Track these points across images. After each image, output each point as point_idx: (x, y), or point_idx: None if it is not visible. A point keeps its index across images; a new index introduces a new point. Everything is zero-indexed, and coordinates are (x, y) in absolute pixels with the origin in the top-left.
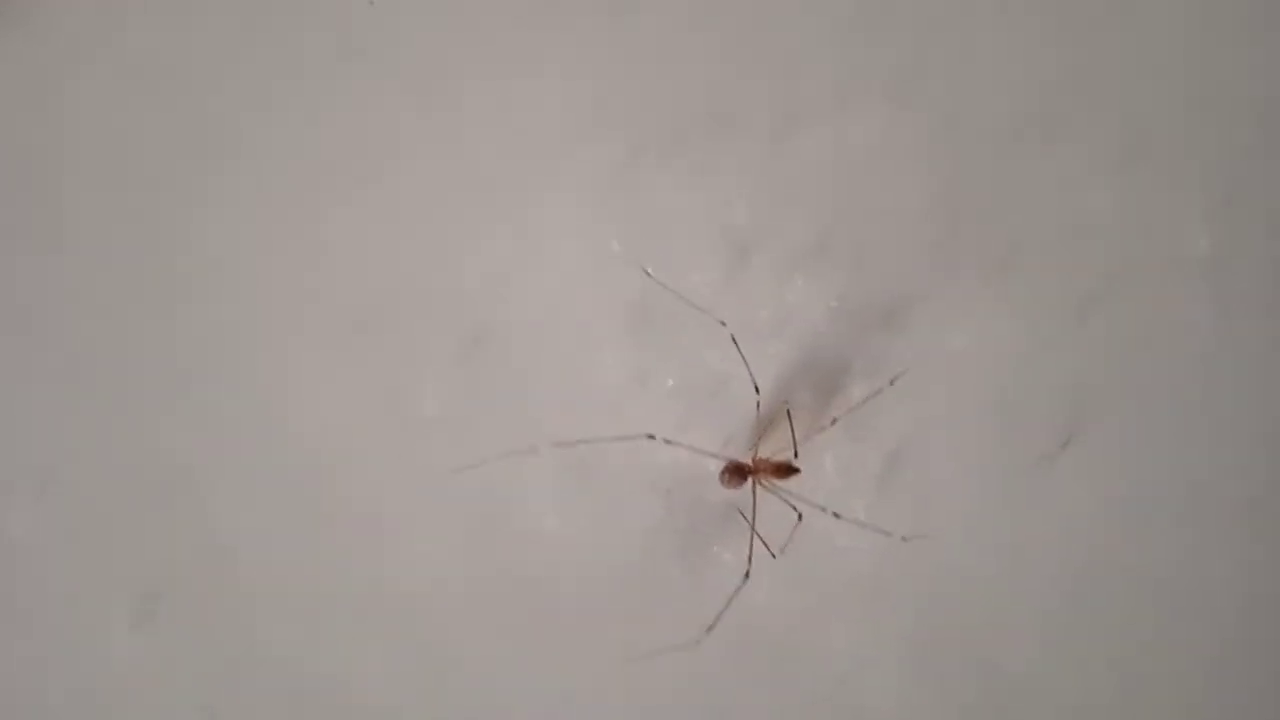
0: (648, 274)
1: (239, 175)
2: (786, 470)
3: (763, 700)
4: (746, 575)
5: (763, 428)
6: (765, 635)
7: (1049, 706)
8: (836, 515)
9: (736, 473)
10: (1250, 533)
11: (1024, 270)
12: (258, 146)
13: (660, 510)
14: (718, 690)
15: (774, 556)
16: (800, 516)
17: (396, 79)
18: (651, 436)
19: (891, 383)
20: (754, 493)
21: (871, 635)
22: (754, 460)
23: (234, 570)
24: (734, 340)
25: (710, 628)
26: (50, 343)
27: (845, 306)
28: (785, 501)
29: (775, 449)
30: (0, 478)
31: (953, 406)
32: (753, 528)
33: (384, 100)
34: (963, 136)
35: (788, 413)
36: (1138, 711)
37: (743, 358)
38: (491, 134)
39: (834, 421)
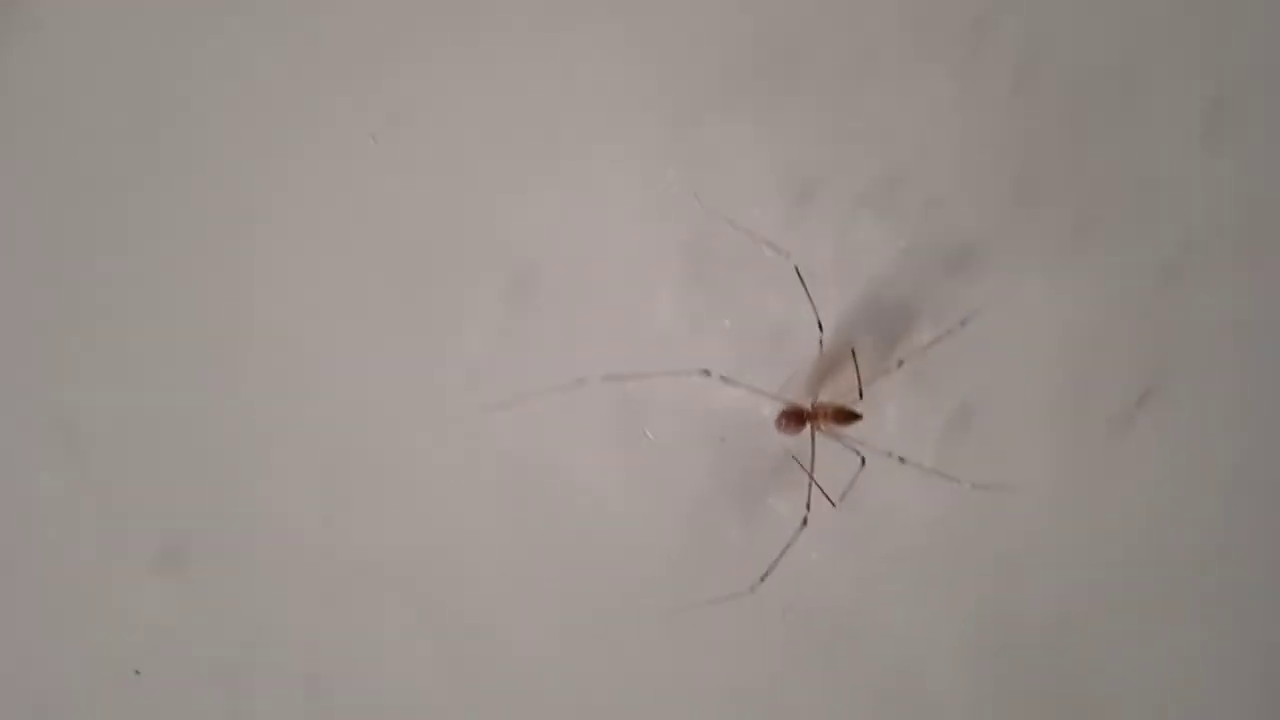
0: (701, 204)
1: (286, 129)
2: (848, 416)
3: (818, 668)
4: (804, 523)
5: (824, 370)
6: (824, 601)
7: (1123, 702)
8: (901, 460)
9: (794, 417)
10: None
11: (1107, 226)
12: (303, 91)
13: (713, 459)
14: (773, 655)
15: (834, 505)
16: (864, 461)
17: (450, 23)
18: (706, 373)
19: (962, 324)
20: (813, 439)
21: (936, 603)
22: (814, 404)
23: (258, 527)
24: (797, 272)
25: (764, 577)
26: (82, 294)
27: (914, 250)
28: (848, 447)
29: (836, 394)
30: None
31: (1025, 360)
32: (811, 475)
33: (439, 46)
34: (1042, 87)
35: (853, 352)
36: (1215, 706)
37: (806, 291)
38: (547, 79)
39: (900, 364)
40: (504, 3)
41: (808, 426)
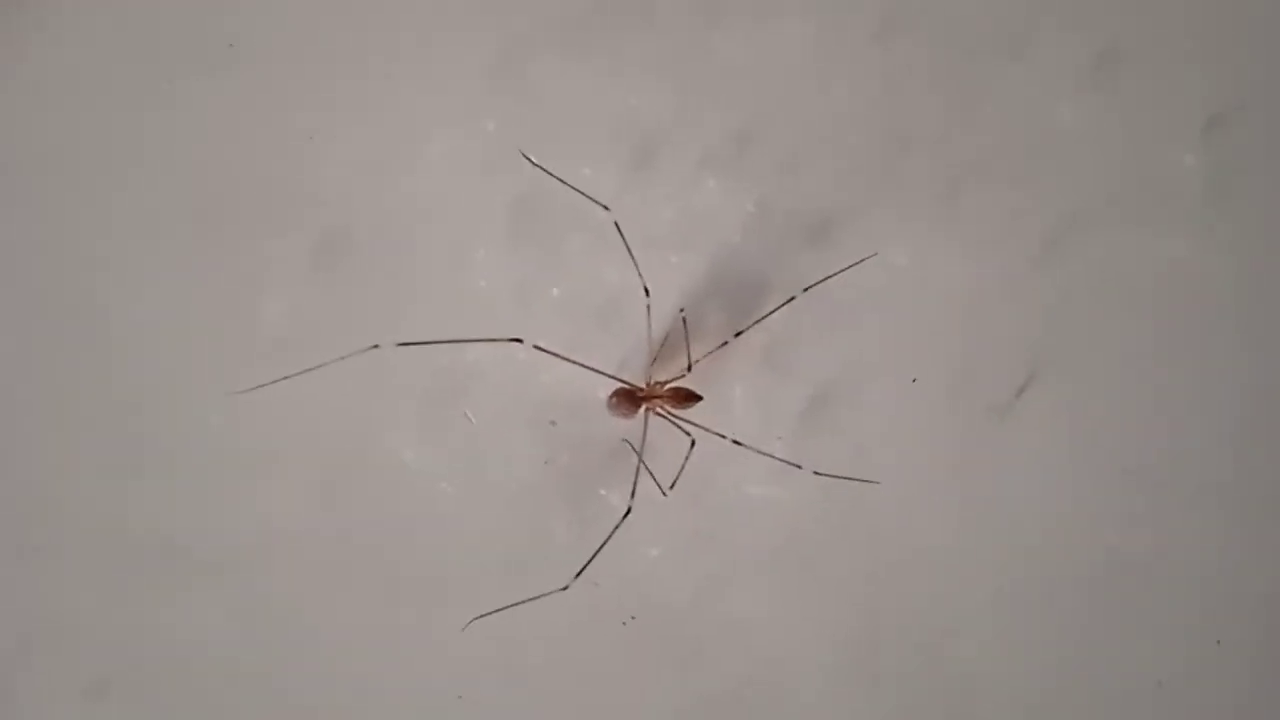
0: (528, 160)
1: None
2: (686, 396)
3: (663, 682)
4: (628, 511)
5: (657, 345)
6: (665, 609)
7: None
8: (737, 443)
9: (627, 398)
10: (1223, 505)
11: (982, 192)
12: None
13: (542, 444)
14: (609, 664)
15: (664, 494)
16: (694, 443)
17: None
18: (518, 340)
19: (805, 290)
20: (645, 421)
21: (794, 605)
22: (647, 384)
23: (37, 510)
24: (617, 227)
25: (580, 571)
26: None
27: (764, 215)
28: (679, 427)
29: (674, 374)
30: None
31: (890, 339)
32: (640, 458)
33: None
34: (913, 40)
35: (683, 320)
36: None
37: (627, 248)
38: (357, 5)
39: (738, 335)
40: None
41: (642, 409)
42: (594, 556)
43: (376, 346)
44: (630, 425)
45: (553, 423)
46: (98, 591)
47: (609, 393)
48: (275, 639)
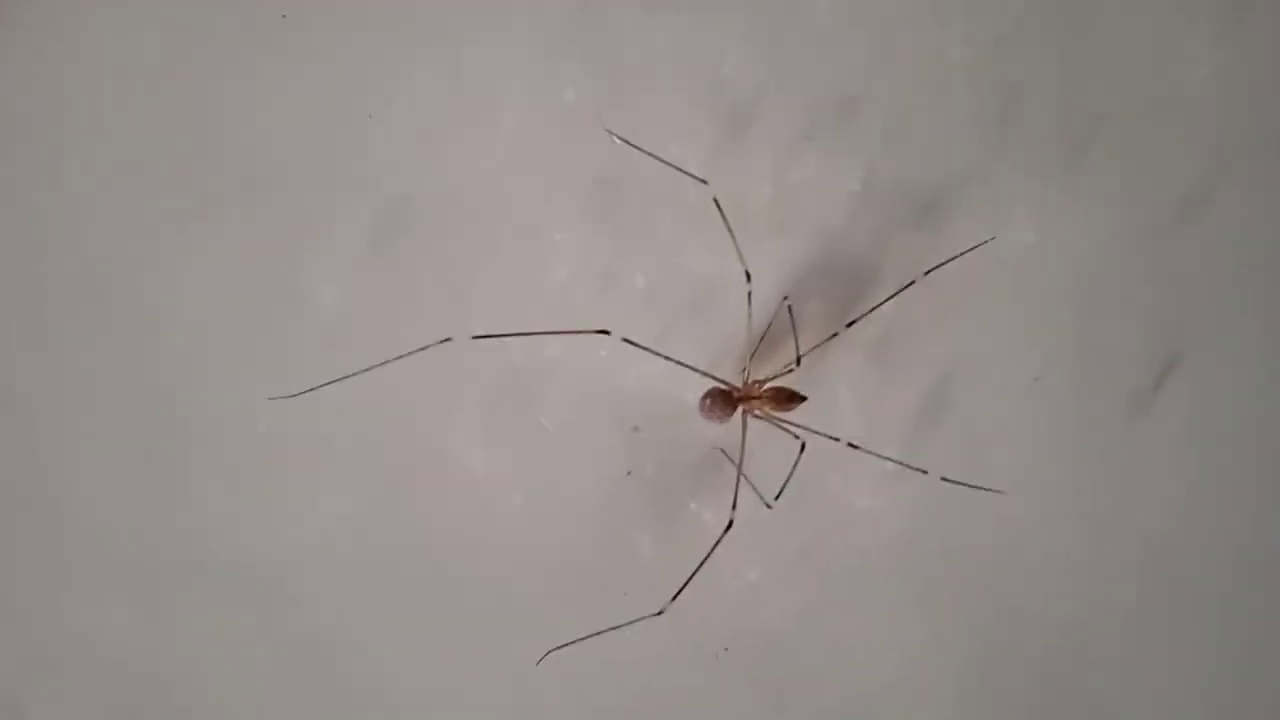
0: (614, 137)
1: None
2: (788, 397)
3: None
4: (729, 525)
5: (757, 339)
6: (764, 633)
7: None
8: (853, 446)
9: (722, 400)
10: None
11: (1110, 152)
12: None
13: (624, 452)
14: (705, 702)
15: (769, 506)
16: (803, 447)
17: None
18: (605, 332)
19: (926, 275)
20: (744, 426)
21: (906, 628)
22: (745, 383)
23: (58, 520)
24: (717, 204)
25: (676, 595)
26: None
27: (871, 191)
28: (786, 430)
29: (775, 370)
30: None
31: (1013, 328)
32: (740, 469)
33: None
34: None
35: (789, 310)
36: None
37: (729, 229)
38: None
39: (849, 325)
40: None
41: (739, 411)
42: (692, 576)
43: (449, 340)
44: (722, 430)
45: (636, 428)
46: (124, 609)
47: (701, 394)
48: (320, 668)
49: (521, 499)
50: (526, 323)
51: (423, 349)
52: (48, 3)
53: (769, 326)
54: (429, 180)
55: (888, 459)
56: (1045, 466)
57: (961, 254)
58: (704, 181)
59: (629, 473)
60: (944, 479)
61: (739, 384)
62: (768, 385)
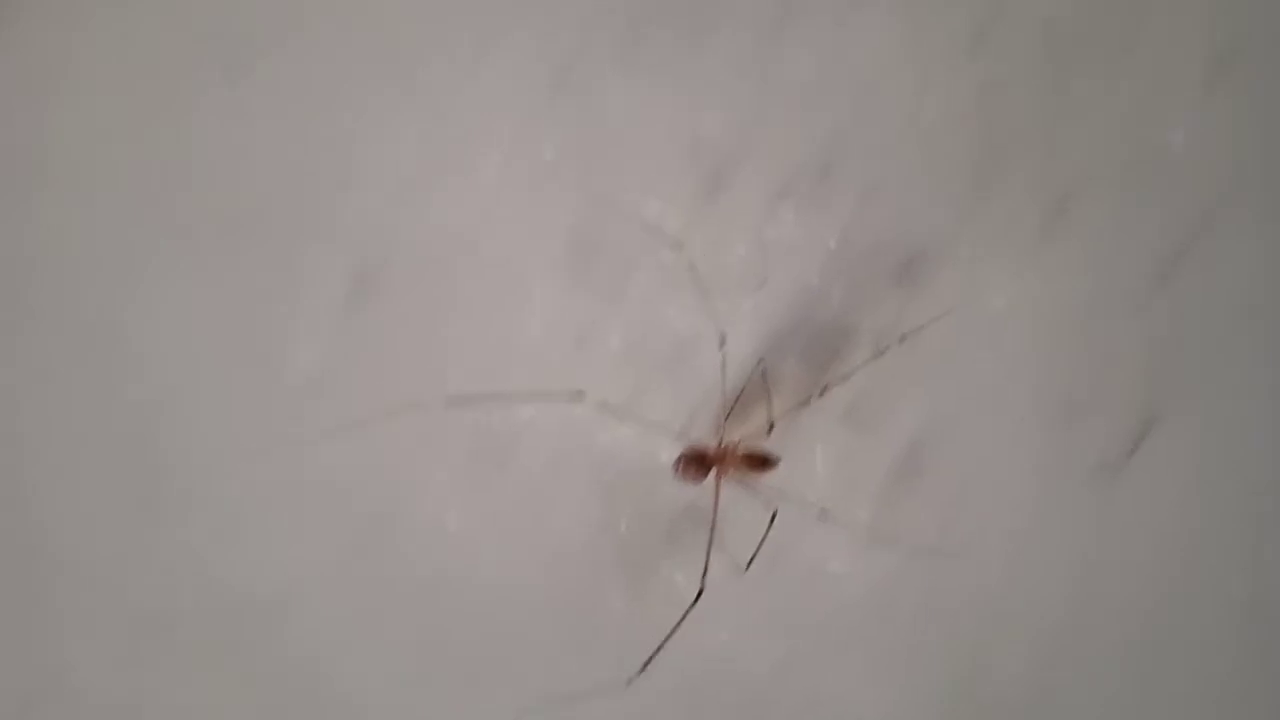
0: (586, 188)
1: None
2: (761, 461)
3: None
4: (699, 594)
5: (732, 401)
6: (734, 692)
7: None
8: (825, 512)
9: (696, 461)
10: None
11: (1090, 212)
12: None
13: (596, 511)
14: None
15: (744, 570)
16: (774, 515)
17: None
18: (580, 394)
19: (901, 340)
20: (717, 488)
21: (881, 689)
22: (718, 445)
23: (43, 564)
24: (693, 269)
25: (645, 666)
26: None
27: (848, 250)
28: (761, 499)
29: (748, 433)
30: None
31: (988, 390)
32: (712, 531)
33: None
34: (1011, 40)
35: (763, 373)
36: None
37: (702, 292)
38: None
39: (823, 391)
40: None
41: (712, 472)
42: (660, 647)
43: (418, 406)
44: (697, 490)
45: (609, 488)
46: (104, 653)
47: (675, 455)
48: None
49: (494, 555)
50: (502, 380)
51: (396, 412)
52: (26, 45)
53: (744, 389)
54: (404, 239)
55: (862, 531)
56: (1021, 529)
57: (937, 318)
58: (679, 246)
59: (603, 531)
60: (917, 549)
61: (714, 445)
62: (741, 448)
